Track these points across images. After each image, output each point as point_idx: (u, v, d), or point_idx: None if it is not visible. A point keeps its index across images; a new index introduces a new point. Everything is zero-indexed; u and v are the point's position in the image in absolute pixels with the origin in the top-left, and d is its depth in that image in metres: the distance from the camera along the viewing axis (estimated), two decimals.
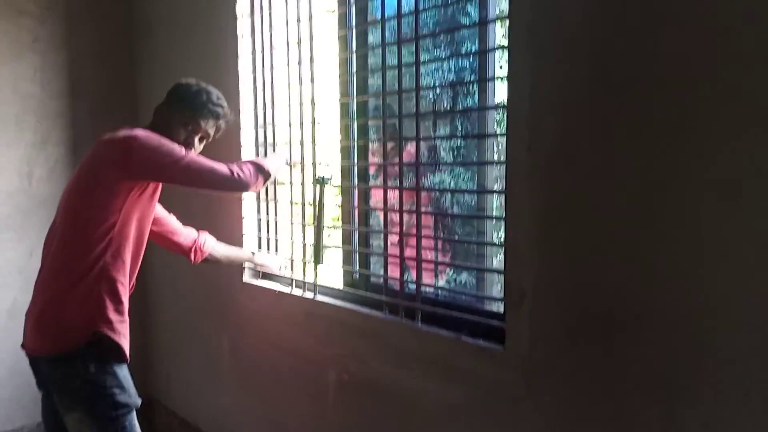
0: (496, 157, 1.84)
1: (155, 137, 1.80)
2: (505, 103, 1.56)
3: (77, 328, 1.75)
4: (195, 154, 1.90)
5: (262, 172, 2.02)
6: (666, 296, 1.28)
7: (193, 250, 2.21)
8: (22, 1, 2.85)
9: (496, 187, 1.84)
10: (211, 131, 2.00)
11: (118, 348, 1.80)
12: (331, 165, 2.26)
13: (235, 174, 1.91)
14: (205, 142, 2.02)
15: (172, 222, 2.19)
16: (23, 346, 1.89)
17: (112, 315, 1.79)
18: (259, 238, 2.55)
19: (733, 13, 1.16)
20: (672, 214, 1.26)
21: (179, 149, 1.82)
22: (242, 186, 1.96)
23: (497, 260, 1.94)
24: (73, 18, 3.00)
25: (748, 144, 1.15)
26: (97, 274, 1.76)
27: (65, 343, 1.75)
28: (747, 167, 1.15)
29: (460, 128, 3.36)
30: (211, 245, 2.26)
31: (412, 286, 1.89)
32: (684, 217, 1.24)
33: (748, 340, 1.17)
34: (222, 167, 1.90)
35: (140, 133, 1.79)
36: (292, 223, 2.36)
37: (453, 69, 3.36)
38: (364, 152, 2.19)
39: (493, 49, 1.71)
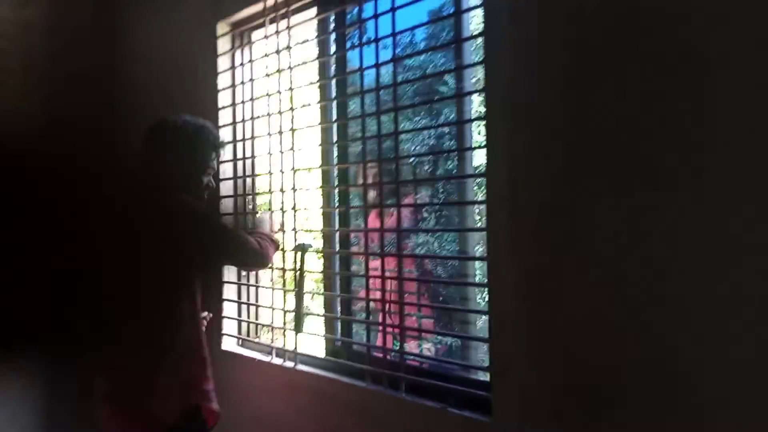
0: (477, 219, 1.85)
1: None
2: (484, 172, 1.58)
3: (173, 407, 1.68)
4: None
5: (275, 244, 2.01)
6: (652, 367, 1.26)
7: None
8: (3, 76, 2.85)
9: (478, 251, 1.84)
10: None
11: (215, 414, 1.78)
12: (312, 232, 2.25)
13: (263, 249, 1.89)
14: None
15: None
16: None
17: (206, 384, 1.77)
18: (239, 304, 2.50)
19: (713, 87, 1.20)
20: (655, 283, 1.26)
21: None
22: (267, 261, 1.95)
23: (481, 325, 1.92)
24: (53, 91, 3.00)
25: (728, 222, 1.17)
26: (185, 348, 1.72)
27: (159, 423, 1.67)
28: (728, 241, 1.17)
29: (441, 191, 3.42)
30: None
31: (398, 354, 1.85)
32: (668, 288, 1.24)
33: (739, 412, 1.15)
34: (252, 240, 1.88)
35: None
36: (272, 290, 2.32)
37: (433, 134, 3.45)
38: (344, 218, 2.19)
39: (470, 120, 1.75)
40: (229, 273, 2.50)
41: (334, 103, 2.15)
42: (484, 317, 1.67)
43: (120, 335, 1.73)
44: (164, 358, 1.68)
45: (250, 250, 1.86)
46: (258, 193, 2.44)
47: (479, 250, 2.05)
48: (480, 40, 1.60)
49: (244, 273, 2.47)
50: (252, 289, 2.47)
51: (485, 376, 1.67)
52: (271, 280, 2.33)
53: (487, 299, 1.59)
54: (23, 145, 2.91)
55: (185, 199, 1.76)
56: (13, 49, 2.89)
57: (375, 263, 2.14)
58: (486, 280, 1.59)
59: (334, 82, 2.15)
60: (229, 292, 2.50)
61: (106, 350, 1.76)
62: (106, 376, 1.72)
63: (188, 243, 1.70)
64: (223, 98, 2.52)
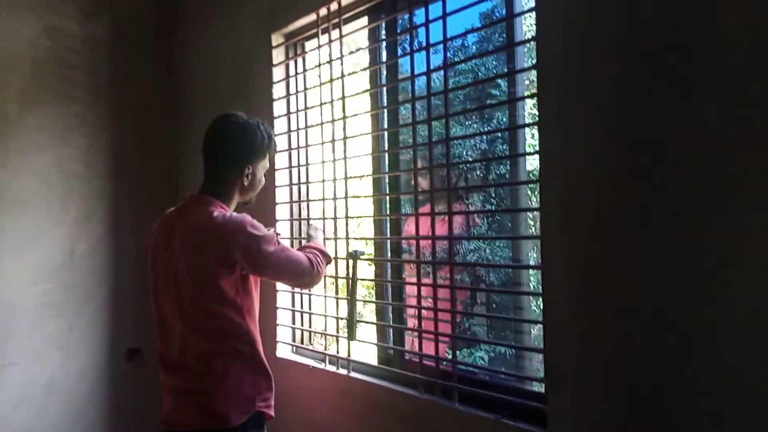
0: (531, 226, 1.81)
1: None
2: (537, 178, 1.55)
3: (240, 409, 1.71)
4: (282, 243, 1.81)
5: (327, 259, 1.98)
6: (716, 368, 1.20)
7: None
8: (71, 89, 3.01)
9: (532, 258, 1.80)
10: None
11: (270, 418, 1.80)
12: (364, 239, 2.26)
13: (315, 266, 1.86)
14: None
15: None
16: (165, 422, 1.79)
17: (267, 392, 1.78)
18: (293, 312, 2.53)
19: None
20: (711, 288, 1.20)
21: (272, 236, 1.76)
22: (319, 278, 1.91)
23: (536, 332, 1.88)
24: (118, 102, 3.15)
25: None
26: (251, 358, 1.74)
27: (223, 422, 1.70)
28: None
29: (494, 196, 3.35)
30: None
31: (450, 364, 1.83)
32: (721, 292, 1.18)
33: None
34: (303, 258, 1.84)
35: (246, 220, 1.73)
36: (325, 297, 2.34)
37: (485, 138, 3.39)
38: (396, 226, 2.19)
39: (522, 126, 1.71)
40: None
41: (386, 111, 2.15)
42: (538, 328, 1.63)
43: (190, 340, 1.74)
44: (233, 364, 1.71)
45: (301, 273, 1.82)
46: (312, 200, 2.47)
47: (533, 256, 2.01)
48: (532, 43, 1.57)
49: None
50: (305, 297, 2.50)
51: (540, 387, 1.63)
52: (324, 287, 2.35)
53: (541, 308, 1.56)
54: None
55: (233, 216, 1.71)
56: (80, 62, 3.04)
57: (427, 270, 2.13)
58: (540, 289, 1.55)
59: (385, 90, 2.15)
60: (283, 300, 2.54)
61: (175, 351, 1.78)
62: (178, 375, 1.76)
63: (238, 265, 1.68)
64: (279, 107, 2.56)
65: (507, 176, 2.05)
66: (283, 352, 2.53)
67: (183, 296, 1.70)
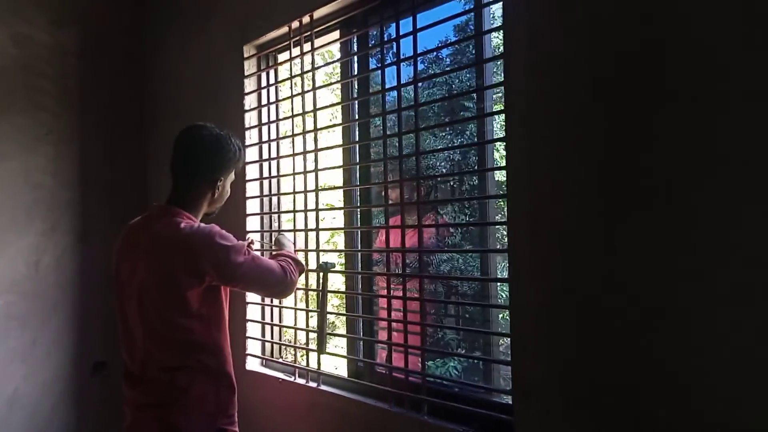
0: (501, 239, 1.84)
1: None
2: (505, 192, 1.57)
3: (199, 426, 1.68)
4: (252, 252, 1.78)
5: (300, 267, 1.95)
6: (681, 378, 1.23)
7: None
8: (39, 97, 2.96)
9: (503, 270, 1.82)
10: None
11: None
12: (335, 251, 2.26)
13: (288, 274, 1.83)
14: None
15: None
16: None
17: (232, 409, 1.75)
18: (262, 324, 2.52)
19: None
20: (676, 300, 1.23)
21: (241, 245, 1.74)
22: (292, 287, 1.88)
23: (506, 344, 1.89)
24: (87, 111, 3.10)
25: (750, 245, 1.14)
26: (216, 372, 1.72)
27: None
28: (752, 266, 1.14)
29: (467, 207, 3.37)
30: None
31: (420, 376, 1.84)
32: (685, 305, 1.21)
33: None
34: (275, 266, 1.82)
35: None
36: (295, 310, 2.33)
37: (458, 150, 3.41)
38: (367, 237, 2.20)
39: (490, 141, 1.74)
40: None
41: (357, 124, 2.17)
42: (506, 341, 1.65)
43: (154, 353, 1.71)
44: (196, 378, 1.68)
45: (274, 282, 1.81)
46: (283, 212, 2.46)
47: (504, 266, 2.03)
48: (501, 61, 1.60)
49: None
50: (275, 309, 2.49)
51: (508, 399, 1.65)
52: (294, 299, 2.34)
53: (508, 318, 1.58)
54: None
55: (201, 228, 1.69)
56: (49, 71, 2.99)
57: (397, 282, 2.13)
58: (508, 302, 1.57)
59: (356, 102, 2.17)
60: (252, 312, 2.52)
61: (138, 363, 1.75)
62: (140, 388, 1.73)
63: (208, 277, 1.66)
64: (250, 118, 2.56)
65: (476, 192, 2.07)
66: (253, 365, 2.50)
67: (147, 308, 1.67)
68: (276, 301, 2.45)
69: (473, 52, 1.89)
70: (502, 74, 1.58)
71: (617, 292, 1.32)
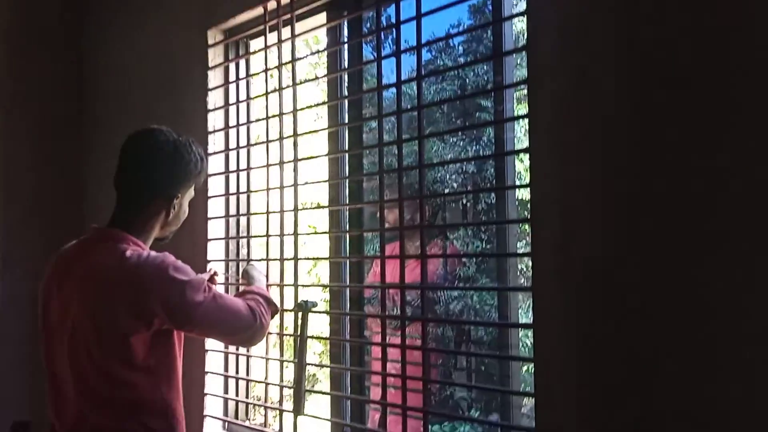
0: (523, 271, 1.84)
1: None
2: (528, 215, 1.58)
3: None
4: (214, 288, 1.78)
5: (273, 308, 1.94)
6: None
7: None
8: None
9: (525, 312, 1.82)
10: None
11: None
12: (318, 286, 2.26)
13: (258, 317, 1.81)
14: None
15: None
16: None
17: None
18: (225, 378, 2.50)
19: None
20: (728, 353, 1.23)
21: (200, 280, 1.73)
22: (262, 333, 1.87)
23: (527, 408, 1.89)
24: (13, 110, 3.11)
25: None
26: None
27: None
28: None
29: (483, 231, 3.37)
30: None
31: None
32: (733, 354, 1.22)
33: None
34: (242, 307, 1.80)
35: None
36: (267, 360, 2.32)
37: (471, 161, 3.42)
38: (358, 269, 2.20)
39: (511, 153, 1.75)
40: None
41: (347, 128, 2.18)
42: (530, 401, 1.65)
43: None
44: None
45: (240, 327, 1.80)
46: (254, 236, 2.46)
47: (528, 306, 2.03)
48: (524, 54, 1.61)
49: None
50: (242, 359, 2.47)
51: None
52: (266, 347, 2.33)
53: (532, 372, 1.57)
54: None
55: (151, 257, 1.68)
56: None
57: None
58: (532, 353, 1.57)
59: (346, 102, 2.18)
60: (213, 362, 2.50)
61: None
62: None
63: (158, 319, 1.65)
64: (215, 120, 2.57)
65: (493, 214, 2.08)
66: (213, 429, 2.49)
67: (81, 358, 1.66)
68: (243, 350, 2.44)
69: (491, 39, 1.91)
70: (526, 68, 1.59)
71: (668, 344, 1.32)
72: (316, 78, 2.26)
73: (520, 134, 1.90)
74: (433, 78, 1.84)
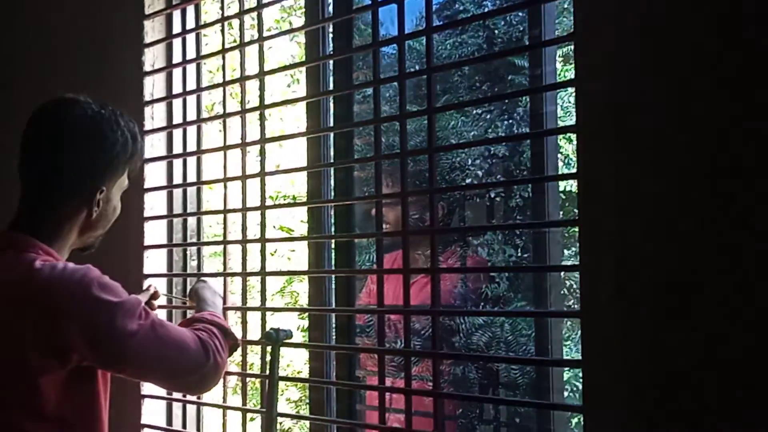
0: (572, 290, 1.86)
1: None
2: (577, 215, 1.60)
3: None
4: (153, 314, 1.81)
5: (231, 340, 1.97)
6: None
7: None
8: None
9: (567, 351, 1.84)
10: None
11: None
12: (292, 311, 2.27)
13: (211, 353, 1.82)
14: None
15: None
16: None
17: None
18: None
19: None
20: None
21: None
22: (217, 374, 1.87)
23: None
24: None
25: None
26: None
27: None
28: None
29: (519, 235, 3.36)
30: None
31: None
32: None
33: None
34: (190, 339, 1.81)
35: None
36: (223, 409, 2.34)
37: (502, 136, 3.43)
38: (346, 288, 2.21)
39: (549, 132, 1.77)
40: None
41: (331, 98, 2.19)
42: None
43: None
44: None
45: (187, 366, 1.81)
46: (206, 243, 2.47)
47: (576, 337, 2.05)
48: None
49: None
50: (190, 408, 2.49)
51: None
52: (224, 391, 2.35)
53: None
54: None
55: (69, 270, 1.69)
56: None
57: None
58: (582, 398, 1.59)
59: (331, 63, 2.20)
60: (152, 412, 2.52)
61: None
62: None
63: (76, 354, 1.66)
64: (153, 85, 2.58)
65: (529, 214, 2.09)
66: None
67: None
68: (192, 397, 2.45)
69: None
70: (573, 18, 1.61)
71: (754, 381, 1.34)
72: (291, 30, 2.26)
73: (564, 107, 1.91)
74: (448, 33, 1.83)
